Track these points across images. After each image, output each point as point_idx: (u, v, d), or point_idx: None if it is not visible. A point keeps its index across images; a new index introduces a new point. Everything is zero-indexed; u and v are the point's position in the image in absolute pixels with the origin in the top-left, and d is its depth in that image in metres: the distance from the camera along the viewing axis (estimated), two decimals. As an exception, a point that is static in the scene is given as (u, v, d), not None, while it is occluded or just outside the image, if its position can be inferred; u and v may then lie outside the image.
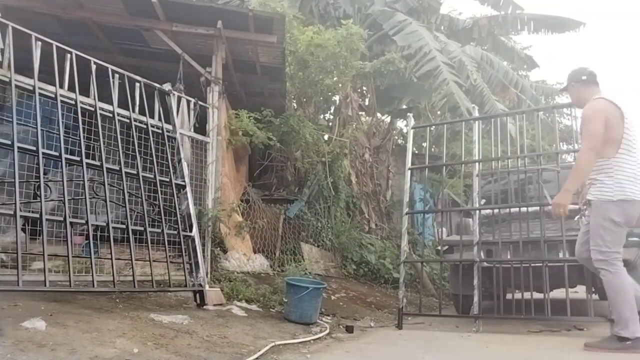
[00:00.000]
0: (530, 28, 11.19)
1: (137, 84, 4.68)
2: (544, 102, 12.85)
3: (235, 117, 6.46)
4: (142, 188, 4.23)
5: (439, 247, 5.95)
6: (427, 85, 9.11)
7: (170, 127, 4.94)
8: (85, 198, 3.73)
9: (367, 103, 11.14)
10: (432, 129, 13.66)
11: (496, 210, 5.41)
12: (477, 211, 5.12)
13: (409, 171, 5.45)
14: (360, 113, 10.50)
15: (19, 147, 3.41)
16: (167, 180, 4.58)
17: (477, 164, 5.25)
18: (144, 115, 4.63)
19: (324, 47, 7.60)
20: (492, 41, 11.99)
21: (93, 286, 3.59)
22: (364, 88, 11.02)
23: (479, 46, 12.16)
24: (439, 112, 12.30)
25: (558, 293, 6.48)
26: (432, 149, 14.05)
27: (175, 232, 4.43)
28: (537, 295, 6.75)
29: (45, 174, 3.78)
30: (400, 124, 13.76)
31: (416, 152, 13.44)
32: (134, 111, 4.55)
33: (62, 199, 3.64)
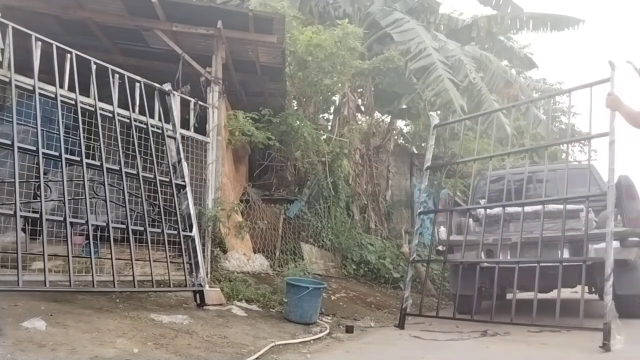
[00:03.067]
0: (529, 27, 11.22)
1: (137, 84, 4.68)
2: (543, 102, 12.85)
3: (233, 117, 6.45)
4: (142, 188, 4.23)
5: (439, 247, 5.95)
6: (421, 81, 9.13)
7: (170, 127, 4.94)
8: (85, 198, 3.73)
9: (365, 102, 11.15)
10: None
11: (497, 210, 5.40)
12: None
13: (427, 171, 5.40)
14: (356, 114, 10.51)
15: (19, 147, 3.40)
16: (167, 180, 4.58)
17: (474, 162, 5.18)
18: (144, 115, 4.63)
19: (322, 47, 7.61)
20: (490, 41, 12.00)
21: (93, 286, 3.60)
22: (361, 89, 11.03)
23: (478, 46, 12.17)
24: (439, 112, 12.29)
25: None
26: (422, 144, 14.04)
27: (175, 232, 4.43)
28: (538, 296, 6.73)
29: (45, 174, 3.78)
30: (400, 123, 13.77)
31: (416, 152, 13.45)
32: (134, 111, 4.55)
33: (62, 199, 3.64)
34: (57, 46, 3.95)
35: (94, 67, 4.21)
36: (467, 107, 9.83)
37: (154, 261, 4.09)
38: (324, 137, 8.80)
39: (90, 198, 3.83)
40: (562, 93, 7.45)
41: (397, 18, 9.83)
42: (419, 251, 10.01)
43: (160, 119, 4.81)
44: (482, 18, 11.45)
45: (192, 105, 5.57)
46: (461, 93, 9.32)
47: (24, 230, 3.89)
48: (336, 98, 10.32)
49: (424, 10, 11.23)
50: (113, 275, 3.75)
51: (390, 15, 10.00)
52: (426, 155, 5.44)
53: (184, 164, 4.85)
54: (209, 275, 5.04)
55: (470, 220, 5.87)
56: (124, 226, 4.02)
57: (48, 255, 3.38)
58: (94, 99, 4.19)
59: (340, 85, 8.87)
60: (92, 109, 4.18)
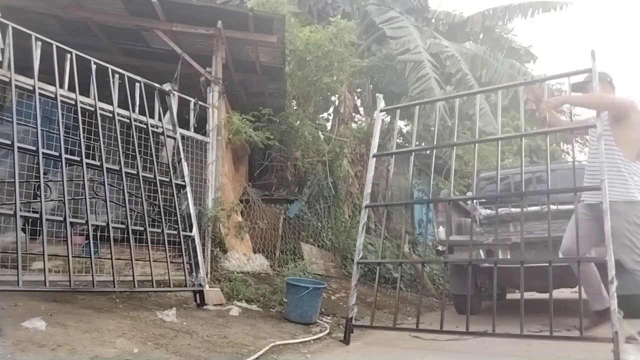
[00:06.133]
0: (518, 14, 11.47)
1: (137, 84, 4.68)
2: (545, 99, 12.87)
3: (230, 119, 6.43)
4: (142, 188, 4.23)
5: (438, 247, 5.95)
6: (410, 78, 9.17)
7: (170, 126, 4.94)
8: (85, 198, 3.73)
9: (364, 102, 11.16)
10: (432, 128, 13.51)
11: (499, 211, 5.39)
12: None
13: (373, 159, 4.77)
14: (353, 113, 10.52)
15: (19, 147, 3.40)
16: (167, 180, 4.58)
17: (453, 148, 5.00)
18: (144, 115, 4.63)
19: (319, 45, 7.62)
20: (488, 37, 12.14)
21: (93, 286, 3.59)
22: (360, 88, 11.05)
23: (478, 43, 12.27)
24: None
25: (558, 293, 6.47)
26: (422, 143, 14.02)
27: (175, 232, 4.43)
28: (538, 296, 6.74)
29: (45, 174, 3.78)
30: (400, 123, 13.76)
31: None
32: (134, 111, 4.55)
33: (62, 199, 3.64)
34: (57, 46, 3.95)
35: (94, 67, 4.20)
36: (459, 100, 9.86)
37: (154, 261, 4.09)
38: (324, 137, 8.82)
39: (90, 198, 3.83)
40: (536, 82, 6.99)
41: (392, 16, 9.98)
42: (418, 251, 10.03)
43: (160, 119, 4.81)
44: (476, 14, 11.67)
45: (192, 105, 5.57)
46: (454, 86, 9.39)
47: (24, 230, 3.89)
48: (335, 98, 10.33)
49: (421, 9, 11.37)
50: (113, 275, 3.75)
51: (386, 13, 10.15)
52: (372, 142, 4.82)
53: (184, 164, 4.85)
54: (209, 275, 5.05)
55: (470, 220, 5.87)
56: (124, 226, 4.02)
57: (48, 255, 3.37)
58: (94, 99, 4.19)
59: (340, 84, 8.88)
60: (92, 109, 4.18)
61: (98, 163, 3.97)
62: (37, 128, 3.54)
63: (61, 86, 3.94)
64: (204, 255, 4.98)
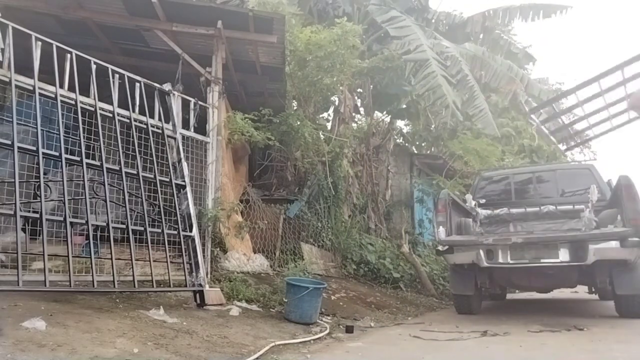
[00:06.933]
0: (518, 16, 11.57)
1: (137, 84, 4.68)
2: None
3: (232, 119, 6.43)
4: (142, 188, 4.23)
5: (439, 247, 5.95)
6: (416, 77, 9.19)
7: (170, 127, 4.94)
8: (85, 198, 3.73)
9: (365, 102, 11.16)
10: (432, 128, 13.53)
11: (498, 211, 5.40)
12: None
13: None
14: (353, 113, 10.53)
15: (19, 147, 3.40)
16: (167, 180, 4.58)
17: None
18: (144, 115, 4.63)
19: (321, 45, 7.62)
20: (488, 38, 12.18)
21: (93, 286, 3.60)
22: (360, 90, 11.05)
23: (477, 43, 12.32)
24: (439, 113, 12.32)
25: (558, 293, 6.48)
26: (432, 149, 14.08)
27: (175, 232, 4.43)
28: (537, 296, 6.74)
29: (45, 174, 3.78)
30: (400, 123, 13.78)
31: (416, 152, 13.47)
32: (134, 111, 4.55)
33: (62, 199, 3.64)
34: (57, 46, 3.95)
35: (94, 67, 4.21)
36: (458, 101, 9.93)
37: (154, 261, 4.09)
38: (324, 137, 8.81)
39: (90, 198, 3.83)
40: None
41: (394, 16, 10.01)
42: (419, 251, 10.04)
43: (160, 119, 4.81)
44: (477, 15, 11.73)
45: (192, 105, 5.57)
46: (453, 87, 9.42)
47: (24, 230, 3.88)
48: (336, 98, 10.33)
49: (421, 9, 11.39)
50: (113, 275, 3.75)
51: (387, 13, 10.17)
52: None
53: (184, 164, 4.85)
54: (209, 275, 5.04)
55: (470, 220, 5.88)
56: (124, 226, 4.02)
57: (48, 255, 3.37)
58: (94, 99, 4.19)
59: (340, 84, 8.89)
60: (92, 109, 4.18)
61: (98, 163, 3.98)
62: (37, 128, 3.54)
63: (61, 86, 3.94)
64: (204, 255, 4.97)
